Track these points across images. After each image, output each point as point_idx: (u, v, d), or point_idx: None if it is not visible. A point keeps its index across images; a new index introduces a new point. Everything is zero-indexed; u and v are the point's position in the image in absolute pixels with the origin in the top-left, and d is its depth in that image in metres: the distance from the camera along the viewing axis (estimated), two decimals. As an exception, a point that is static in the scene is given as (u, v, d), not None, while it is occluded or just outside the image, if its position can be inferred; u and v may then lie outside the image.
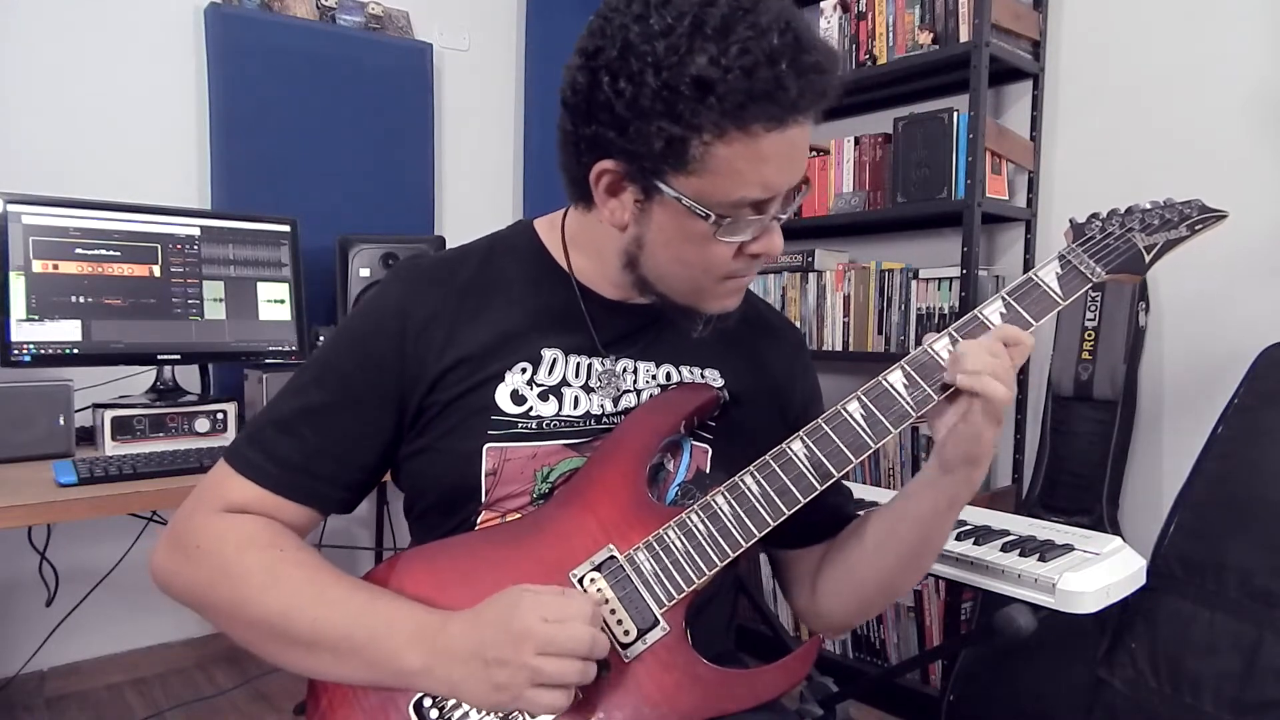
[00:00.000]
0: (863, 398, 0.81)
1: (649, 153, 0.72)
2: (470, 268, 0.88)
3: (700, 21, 0.68)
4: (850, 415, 0.81)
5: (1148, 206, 0.93)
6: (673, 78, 0.68)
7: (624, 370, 0.88)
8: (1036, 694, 1.72)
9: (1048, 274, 0.86)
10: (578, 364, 0.87)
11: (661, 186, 0.74)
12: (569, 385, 0.86)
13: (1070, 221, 0.93)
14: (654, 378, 0.89)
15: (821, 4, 2.31)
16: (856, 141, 2.27)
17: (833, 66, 0.72)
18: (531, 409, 0.84)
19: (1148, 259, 0.88)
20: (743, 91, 0.68)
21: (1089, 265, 0.86)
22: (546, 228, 0.92)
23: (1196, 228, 0.91)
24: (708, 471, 0.88)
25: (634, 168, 0.74)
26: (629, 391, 0.88)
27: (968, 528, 1.28)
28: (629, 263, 0.83)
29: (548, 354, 0.86)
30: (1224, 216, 0.93)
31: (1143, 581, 1.12)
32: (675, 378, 0.90)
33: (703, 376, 0.91)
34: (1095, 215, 0.93)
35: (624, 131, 0.72)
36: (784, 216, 0.78)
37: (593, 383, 0.87)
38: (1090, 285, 0.86)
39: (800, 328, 2.35)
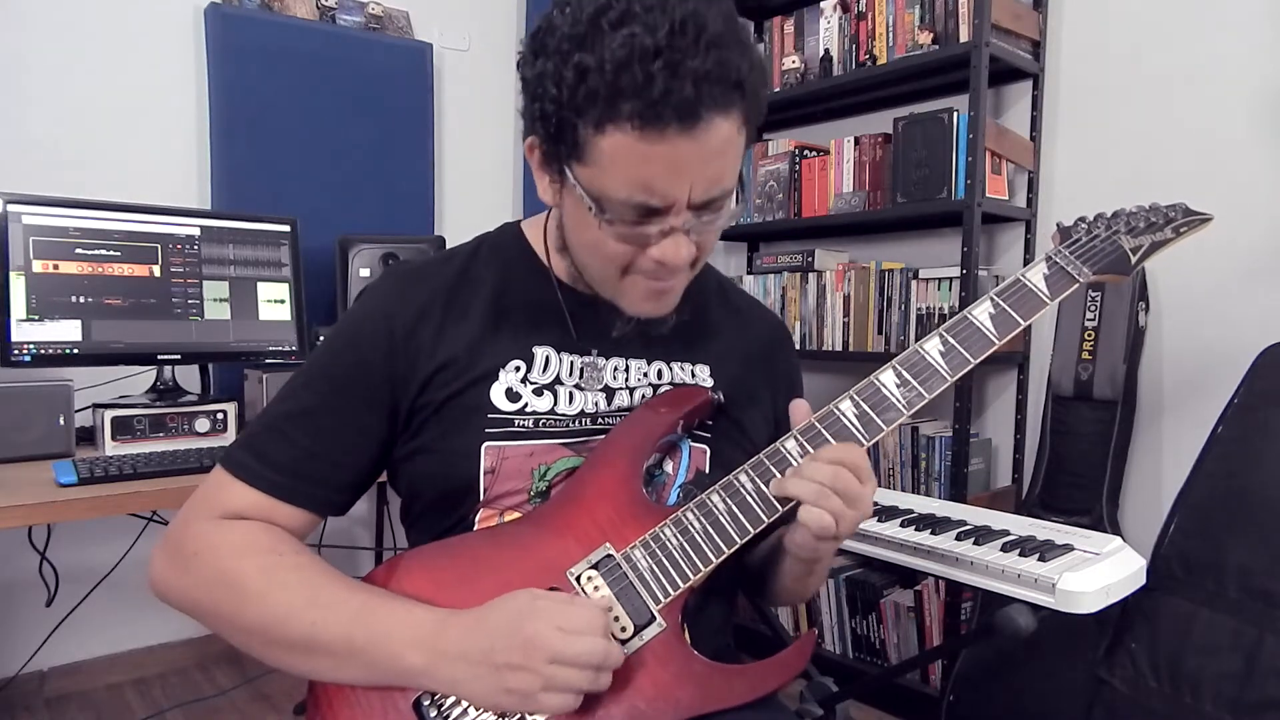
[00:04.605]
0: (855, 397, 0.83)
1: (548, 134, 0.73)
2: (456, 268, 0.89)
3: (602, 11, 0.68)
4: (843, 414, 0.82)
5: (1133, 210, 0.96)
6: (562, 63, 0.69)
7: (614, 368, 0.89)
8: (1036, 694, 1.71)
9: (1035, 275, 0.88)
10: (571, 362, 0.87)
11: (565, 170, 0.74)
12: (562, 383, 0.86)
13: (1057, 225, 0.96)
14: (645, 375, 0.90)
15: (821, 4, 2.31)
16: (856, 141, 2.27)
17: (726, 74, 0.68)
18: (526, 405, 0.84)
19: (1134, 260, 0.91)
20: (610, 85, 0.67)
21: (1076, 266, 0.88)
22: (531, 228, 0.93)
23: (1181, 230, 0.94)
24: (707, 472, 0.89)
25: (548, 148, 0.75)
26: (621, 389, 0.88)
27: (968, 528, 1.28)
28: (562, 246, 0.85)
29: (540, 351, 0.86)
30: (1208, 219, 0.95)
31: (1143, 581, 1.12)
32: (666, 374, 0.91)
33: (693, 374, 0.92)
34: (1082, 219, 0.96)
35: (531, 109, 0.74)
36: (692, 227, 0.75)
37: (582, 381, 0.87)
38: (1077, 285, 0.88)
39: (800, 328, 2.36)
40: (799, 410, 0.84)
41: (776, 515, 0.80)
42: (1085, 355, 1.85)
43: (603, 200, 0.73)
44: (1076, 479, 1.85)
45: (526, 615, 0.70)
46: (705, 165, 0.71)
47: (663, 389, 0.90)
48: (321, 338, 2.09)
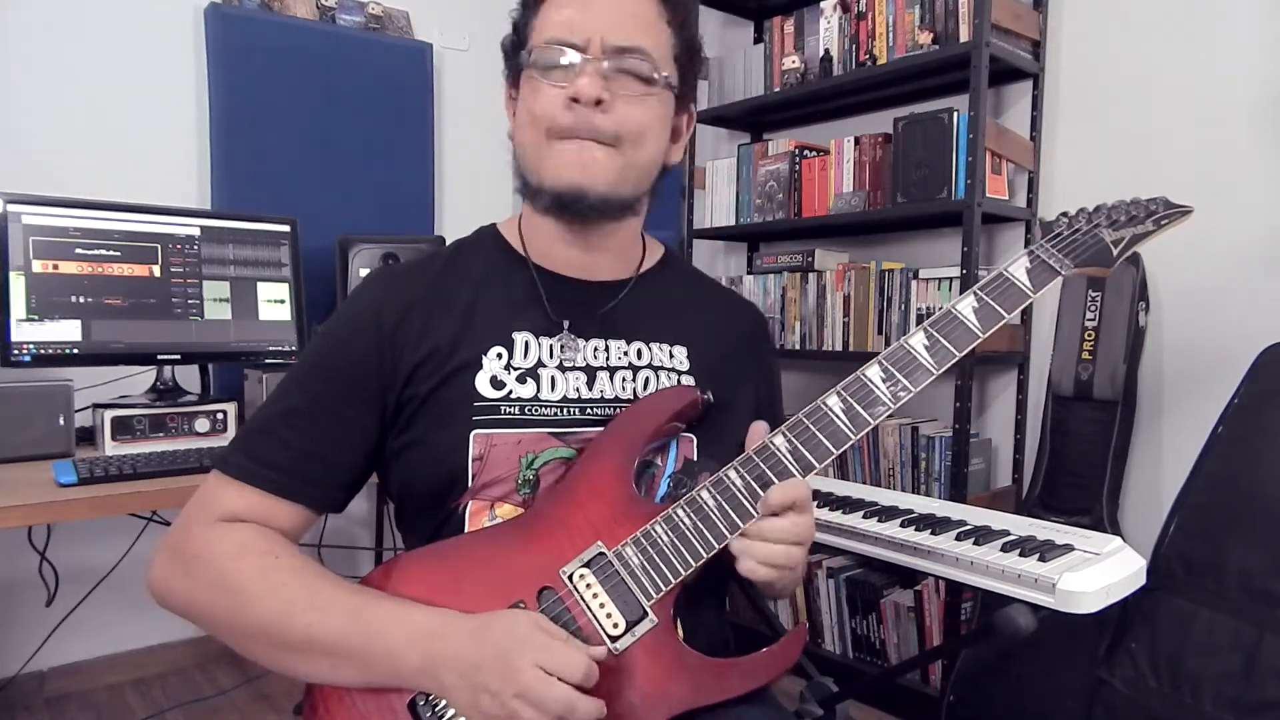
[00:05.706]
0: (842, 392, 0.84)
1: (514, 48, 0.89)
2: (439, 266, 0.92)
3: None
4: (830, 409, 0.84)
5: (1114, 204, 0.97)
6: None
7: (594, 349, 0.90)
8: (1036, 694, 1.71)
9: (1018, 269, 0.89)
10: (551, 346, 0.89)
11: (520, 63, 0.87)
12: (544, 366, 0.88)
13: (1039, 220, 0.97)
14: (625, 354, 0.91)
15: (821, 4, 2.31)
16: (856, 141, 2.27)
17: None
18: (511, 392, 0.86)
19: (1115, 252, 0.92)
20: None
21: (1058, 259, 0.90)
22: (506, 225, 0.97)
23: (1162, 223, 0.95)
24: (695, 459, 0.90)
25: (510, 65, 0.90)
26: (602, 369, 0.90)
27: (968, 528, 1.27)
28: (516, 168, 0.91)
29: (519, 337, 0.88)
30: (1189, 211, 0.97)
31: (1143, 581, 1.11)
32: (646, 354, 0.92)
33: (671, 354, 0.93)
34: (1064, 213, 0.98)
35: (513, 36, 0.90)
36: (606, 74, 0.83)
37: (564, 359, 0.89)
38: (1059, 278, 0.89)
39: (800, 328, 2.36)
40: (757, 431, 0.86)
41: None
42: (1085, 355, 1.84)
43: (534, 53, 0.85)
44: (1076, 479, 1.85)
45: (518, 644, 0.71)
46: (617, 16, 0.84)
47: (643, 372, 0.91)
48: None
